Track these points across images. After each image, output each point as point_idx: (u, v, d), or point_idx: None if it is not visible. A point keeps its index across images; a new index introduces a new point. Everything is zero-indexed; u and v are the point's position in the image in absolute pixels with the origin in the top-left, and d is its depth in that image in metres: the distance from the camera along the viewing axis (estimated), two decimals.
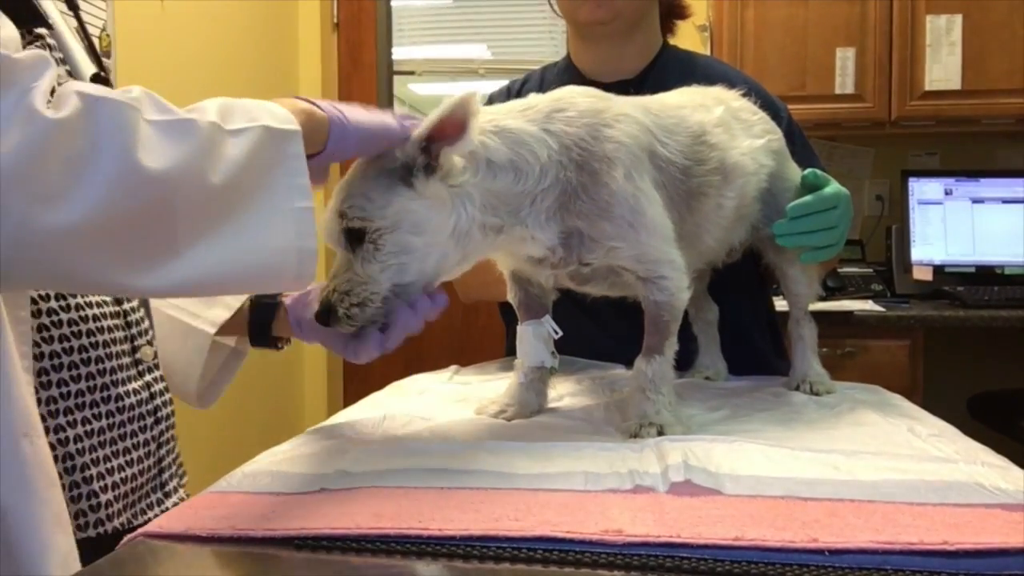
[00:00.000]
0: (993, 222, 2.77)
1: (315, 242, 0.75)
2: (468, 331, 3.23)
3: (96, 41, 1.03)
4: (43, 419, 0.81)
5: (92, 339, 0.88)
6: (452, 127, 0.82)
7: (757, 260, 1.23)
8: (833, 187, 1.12)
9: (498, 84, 1.52)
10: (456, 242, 0.87)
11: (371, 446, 0.87)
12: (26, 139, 0.62)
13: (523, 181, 0.88)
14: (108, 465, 0.88)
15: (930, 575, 0.57)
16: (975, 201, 2.78)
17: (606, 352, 1.29)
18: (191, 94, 0.79)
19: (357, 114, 0.81)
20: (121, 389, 0.91)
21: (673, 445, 0.83)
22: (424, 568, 0.60)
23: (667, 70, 1.37)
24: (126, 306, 0.94)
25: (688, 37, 1.97)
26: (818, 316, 1.21)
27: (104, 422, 0.88)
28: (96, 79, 0.94)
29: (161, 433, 0.97)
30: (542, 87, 1.39)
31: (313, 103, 0.79)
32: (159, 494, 0.96)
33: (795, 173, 1.17)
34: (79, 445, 0.85)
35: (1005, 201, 2.78)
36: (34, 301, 0.84)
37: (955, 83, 2.60)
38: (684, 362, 1.11)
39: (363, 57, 3.22)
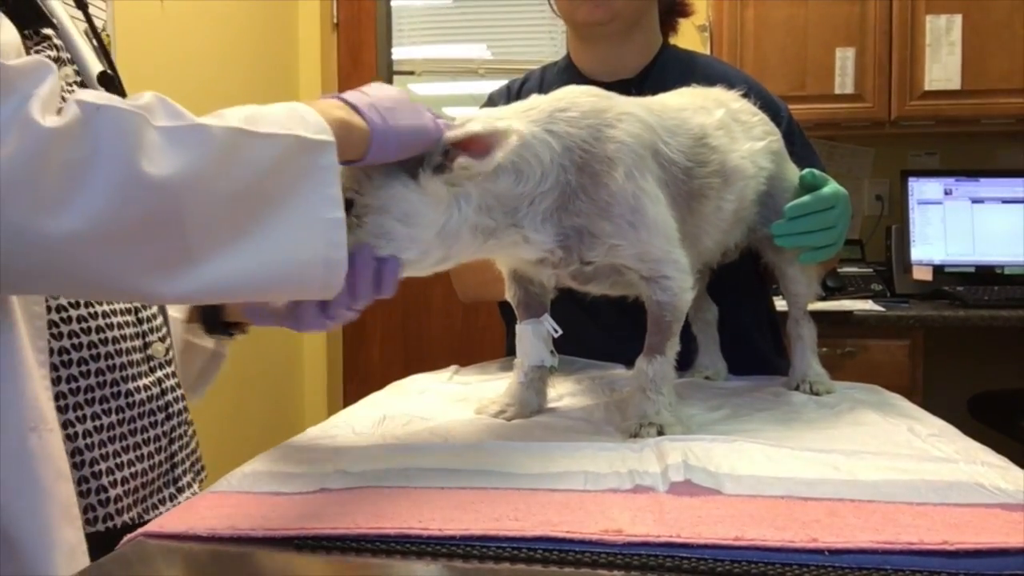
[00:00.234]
0: (993, 222, 2.77)
1: (344, 253, 0.73)
2: (468, 331, 3.23)
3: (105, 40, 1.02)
4: None
5: (102, 335, 0.88)
6: (480, 145, 0.82)
7: (757, 260, 1.23)
8: (831, 187, 1.12)
9: (498, 84, 1.52)
10: (441, 241, 0.85)
11: (371, 446, 0.87)
12: (23, 147, 0.61)
13: (524, 183, 0.88)
14: (118, 460, 0.88)
15: (930, 575, 0.57)
16: (975, 201, 2.78)
17: (606, 352, 1.29)
18: (191, 94, 0.79)
19: (397, 117, 0.78)
20: (131, 385, 0.91)
21: (673, 445, 0.83)
22: (424, 568, 0.60)
23: (667, 70, 1.37)
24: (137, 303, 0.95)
25: (688, 37, 1.97)
26: (818, 316, 1.21)
27: (114, 417, 0.89)
28: (103, 77, 0.94)
29: (173, 428, 0.97)
30: (542, 87, 1.40)
31: (353, 106, 0.77)
32: (172, 489, 0.96)
33: (794, 173, 1.17)
34: (88, 440, 0.86)
35: (1005, 201, 2.78)
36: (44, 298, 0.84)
37: (955, 83, 2.60)
38: (684, 362, 1.10)
39: (363, 57, 3.22)
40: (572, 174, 0.90)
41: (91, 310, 0.88)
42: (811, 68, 2.64)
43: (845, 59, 2.62)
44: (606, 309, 1.16)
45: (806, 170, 1.13)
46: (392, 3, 3.29)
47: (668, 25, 1.46)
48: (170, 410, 0.96)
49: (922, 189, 2.80)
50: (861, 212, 2.92)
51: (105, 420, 0.87)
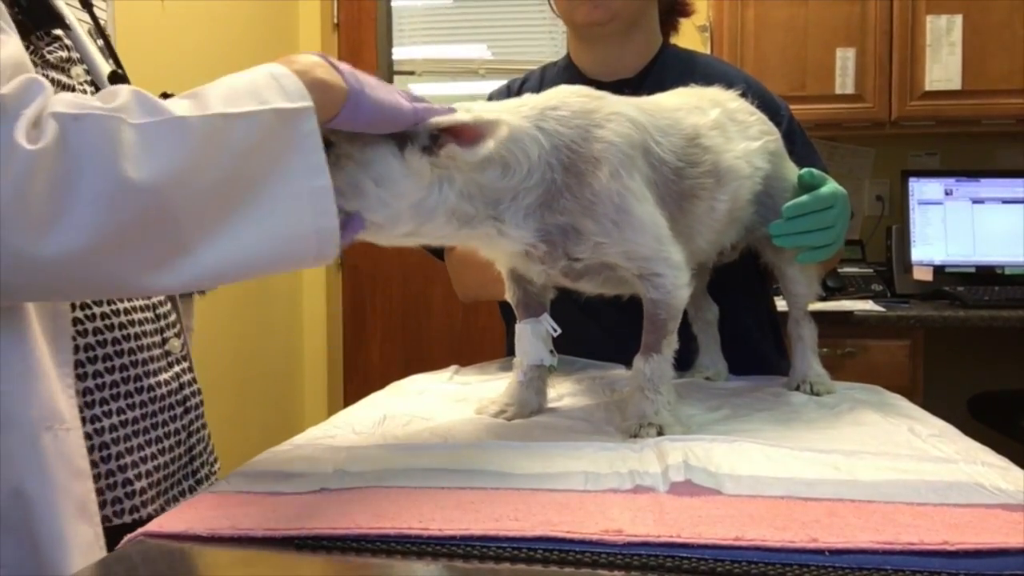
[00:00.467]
0: (993, 222, 2.77)
1: (334, 220, 0.74)
2: (468, 331, 3.23)
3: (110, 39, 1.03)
4: (80, 410, 0.82)
5: (124, 331, 0.90)
6: (470, 134, 0.82)
7: (757, 260, 1.23)
8: (830, 186, 1.11)
9: (498, 84, 1.52)
10: (413, 215, 0.84)
11: (371, 446, 0.87)
12: (9, 172, 0.62)
13: (510, 177, 0.88)
14: (142, 454, 0.90)
15: (930, 575, 0.57)
16: (975, 201, 2.78)
17: (606, 352, 1.29)
18: None
19: (375, 90, 0.79)
20: (152, 380, 0.93)
21: (673, 445, 0.83)
22: (424, 568, 0.60)
23: (666, 69, 1.37)
24: (154, 299, 0.96)
25: (688, 37, 1.97)
26: (818, 316, 1.21)
27: (138, 412, 0.90)
28: (114, 77, 0.96)
29: (191, 422, 0.99)
30: (542, 87, 1.39)
31: (335, 66, 0.77)
32: (190, 481, 0.99)
33: (792, 173, 1.16)
34: (114, 435, 0.87)
35: (1005, 201, 2.78)
36: None
37: (955, 83, 2.60)
38: (684, 362, 1.10)
39: (363, 57, 3.22)
40: (558, 173, 0.90)
41: (113, 307, 0.90)
42: (811, 68, 2.64)
43: (845, 59, 2.62)
44: (606, 309, 1.16)
45: (804, 169, 1.13)
46: (392, 3, 3.29)
47: (669, 24, 1.46)
48: (188, 404, 0.99)
49: (922, 189, 2.80)
50: (861, 212, 2.92)
51: (129, 415, 0.89)
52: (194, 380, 1.01)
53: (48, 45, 0.89)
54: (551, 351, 1.06)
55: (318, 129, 0.73)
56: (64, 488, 0.77)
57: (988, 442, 0.89)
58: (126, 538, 0.66)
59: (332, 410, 2.17)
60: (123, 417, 0.89)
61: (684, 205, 1.00)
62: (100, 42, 1.00)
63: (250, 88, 0.72)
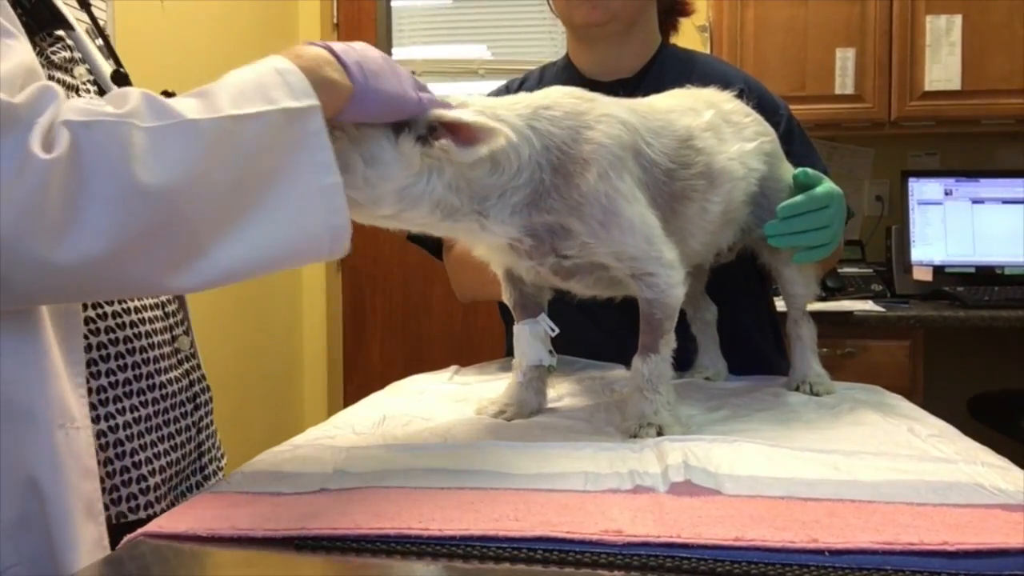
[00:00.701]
0: (993, 222, 2.77)
1: (345, 217, 0.75)
2: (468, 331, 3.23)
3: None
4: (93, 408, 0.83)
5: (135, 330, 0.91)
6: (467, 135, 0.83)
7: (756, 260, 1.23)
8: (825, 186, 1.11)
9: (497, 84, 1.52)
10: (397, 199, 0.85)
11: (371, 446, 0.88)
12: (26, 183, 0.63)
13: (499, 175, 0.88)
14: (155, 450, 0.91)
15: (930, 575, 0.57)
16: (975, 201, 2.78)
17: (606, 353, 1.29)
18: None
19: (380, 80, 0.79)
20: (163, 377, 0.93)
21: (673, 445, 0.83)
22: (424, 568, 0.60)
23: (665, 69, 1.37)
24: (162, 298, 0.97)
25: (688, 37, 1.97)
26: (818, 316, 1.21)
27: (150, 409, 0.91)
28: (116, 76, 0.96)
29: (200, 419, 1.00)
30: (540, 87, 1.38)
31: (340, 58, 0.77)
32: (199, 477, 1.00)
33: (788, 173, 1.16)
34: (127, 432, 0.88)
35: (1005, 201, 2.78)
36: None
37: (955, 83, 2.60)
38: (683, 362, 1.10)
39: None
40: (547, 173, 0.90)
41: (124, 306, 0.90)
42: (811, 68, 2.64)
43: (845, 59, 2.63)
44: (605, 310, 1.16)
45: (799, 169, 1.13)
46: (392, 3, 3.29)
47: (668, 24, 1.46)
48: (197, 401, 0.99)
49: (922, 189, 2.80)
50: (861, 212, 2.92)
51: (142, 412, 0.90)
52: (203, 377, 1.02)
53: (51, 46, 0.89)
54: (550, 351, 1.06)
55: (325, 127, 0.73)
56: (75, 487, 0.77)
57: (988, 442, 0.89)
58: (126, 538, 0.66)
59: (332, 410, 2.18)
60: (136, 415, 0.89)
61: (676, 207, 1.00)
62: (99, 42, 1.00)
63: (257, 86, 0.72)
